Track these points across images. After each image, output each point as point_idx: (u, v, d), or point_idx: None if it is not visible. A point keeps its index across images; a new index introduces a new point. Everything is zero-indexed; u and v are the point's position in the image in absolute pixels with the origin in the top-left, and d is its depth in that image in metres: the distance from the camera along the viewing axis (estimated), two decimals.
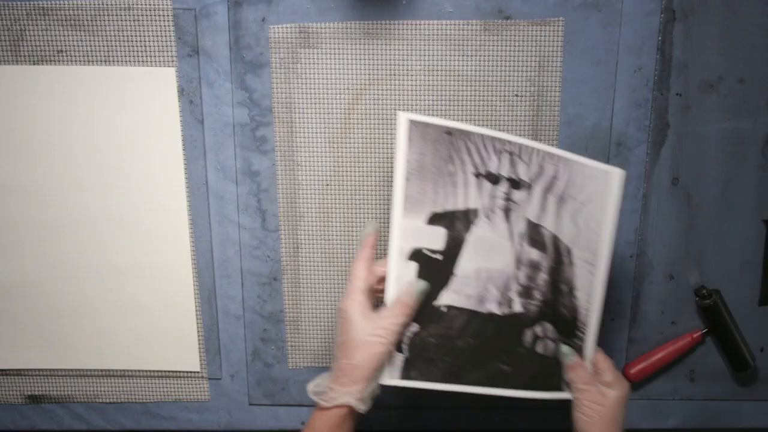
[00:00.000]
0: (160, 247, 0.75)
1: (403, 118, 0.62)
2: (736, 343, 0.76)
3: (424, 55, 0.70)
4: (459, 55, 0.70)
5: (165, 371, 0.80)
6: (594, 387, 0.65)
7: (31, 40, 0.70)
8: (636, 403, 0.80)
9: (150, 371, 0.80)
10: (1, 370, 0.80)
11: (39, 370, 0.80)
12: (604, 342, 0.78)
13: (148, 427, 0.82)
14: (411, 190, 0.63)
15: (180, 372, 0.80)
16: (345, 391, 0.61)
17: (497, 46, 0.70)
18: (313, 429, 0.61)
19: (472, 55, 0.70)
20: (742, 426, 0.81)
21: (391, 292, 0.63)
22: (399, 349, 0.64)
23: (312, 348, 0.79)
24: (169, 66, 0.70)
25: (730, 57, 0.70)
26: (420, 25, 0.69)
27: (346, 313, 0.62)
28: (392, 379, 0.64)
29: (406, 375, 0.64)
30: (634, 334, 0.78)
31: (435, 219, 0.64)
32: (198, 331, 0.78)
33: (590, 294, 0.67)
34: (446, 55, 0.70)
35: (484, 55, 0.70)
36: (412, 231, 0.64)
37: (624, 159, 0.73)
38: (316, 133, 0.72)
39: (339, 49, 0.70)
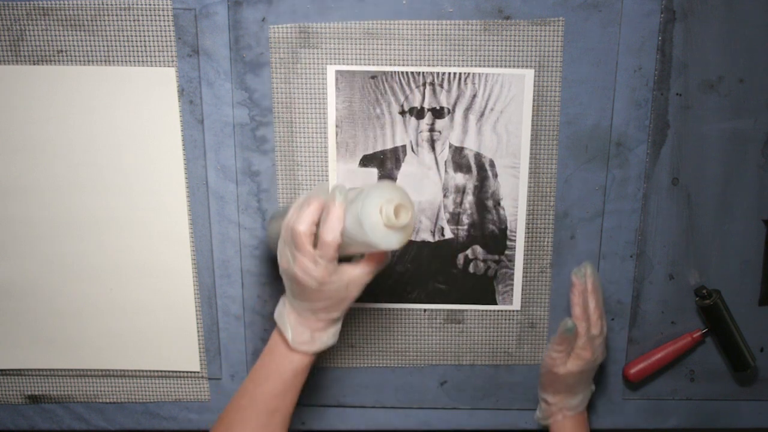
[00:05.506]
0: (160, 247, 0.75)
1: (330, 70, 0.69)
2: (736, 343, 0.76)
3: (424, 55, 0.70)
4: (459, 55, 0.70)
5: (165, 371, 0.80)
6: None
7: (31, 40, 0.70)
8: (636, 403, 0.80)
9: (150, 371, 0.80)
10: (1, 370, 0.80)
11: (39, 370, 0.80)
12: None
13: (148, 427, 0.82)
14: (342, 137, 0.71)
15: (180, 372, 0.80)
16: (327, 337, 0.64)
17: (497, 46, 0.70)
18: (289, 373, 0.64)
19: (472, 55, 0.70)
20: (741, 426, 0.81)
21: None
22: None
23: None
24: (169, 66, 0.70)
25: (730, 57, 0.70)
26: (420, 25, 0.69)
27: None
28: None
29: None
30: (634, 334, 0.78)
31: (366, 161, 0.72)
32: (198, 331, 0.78)
33: (516, 198, 0.72)
34: (446, 55, 0.70)
35: (484, 55, 0.70)
36: (346, 174, 0.73)
37: (624, 159, 0.73)
38: (316, 133, 0.73)
39: (339, 49, 0.70)
